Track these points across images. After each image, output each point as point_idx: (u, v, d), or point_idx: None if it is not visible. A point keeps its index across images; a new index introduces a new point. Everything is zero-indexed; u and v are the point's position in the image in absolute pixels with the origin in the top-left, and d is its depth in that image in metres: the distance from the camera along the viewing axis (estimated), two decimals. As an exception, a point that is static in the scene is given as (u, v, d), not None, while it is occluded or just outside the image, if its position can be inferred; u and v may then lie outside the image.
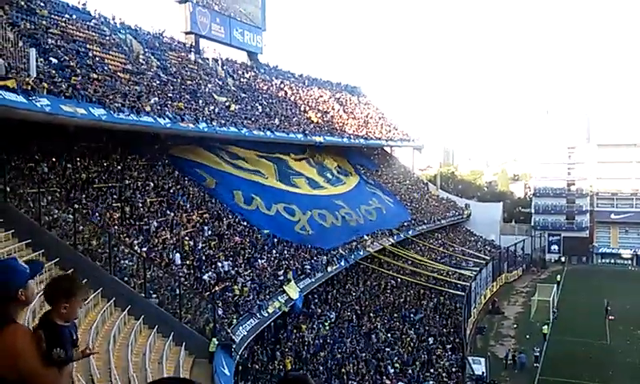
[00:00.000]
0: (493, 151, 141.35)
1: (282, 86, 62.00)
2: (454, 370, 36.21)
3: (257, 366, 29.92)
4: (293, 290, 33.59)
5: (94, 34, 36.68)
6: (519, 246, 71.52)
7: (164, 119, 33.76)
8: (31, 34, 28.51)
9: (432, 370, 35.85)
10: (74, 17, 36.25)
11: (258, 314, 29.14)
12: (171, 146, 40.32)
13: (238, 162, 46.31)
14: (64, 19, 34.53)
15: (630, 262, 76.64)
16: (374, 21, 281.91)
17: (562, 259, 77.89)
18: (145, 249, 26.79)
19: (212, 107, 41.62)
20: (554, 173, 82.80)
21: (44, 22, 31.42)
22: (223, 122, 41.14)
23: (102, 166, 31.83)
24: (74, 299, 2.91)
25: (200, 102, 40.87)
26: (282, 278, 33.92)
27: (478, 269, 53.77)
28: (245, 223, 38.74)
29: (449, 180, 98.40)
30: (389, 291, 47.70)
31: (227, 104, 44.80)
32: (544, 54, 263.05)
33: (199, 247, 31.31)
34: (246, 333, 27.08)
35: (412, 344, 39.25)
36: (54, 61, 28.37)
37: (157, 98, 34.91)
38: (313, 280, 37.50)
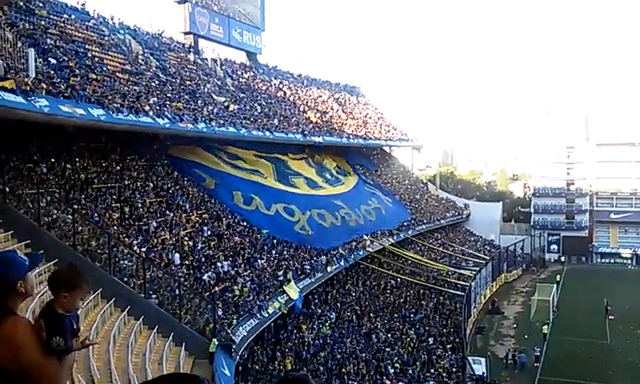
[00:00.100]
0: (492, 151, 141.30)
1: (280, 86, 61.96)
2: (454, 370, 36.18)
3: (257, 367, 29.91)
4: (293, 291, 33.57)
5: (92, 34, 36.63)
6: (519, 245, 71.52)
7: (163, 119, 33.71)
8: (30, 35, 28.45)
9: (432, 370, 35.83)
10: (73, 17, 36.19)
11: (258, 315, 29.13)
12: (170, 147, 40.27)
13: (237, 162, 46.26)
14: (63, 19, 34.47)
15: (629, 261, 76.73)
16: (373, 21, 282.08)
17: (562, 259, 77.97)
18: (144, 249, 26.75)
19: (211, 107, 41.58)
20: (553, 172, 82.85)
21: (43, 23, 31.38)
22: (222, 122, 41.08)
23: (101, 166, 31.76)
24: (75, 290, 2.92)
25: (199, 102, 40.84)
26: (281, 278, 33.90)
27: (477, 269, 53.76)
28: (244, 223, 38.70)
29: (448, 180, 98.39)
30: (389, 291, 47.69)
31: (226, 104, 44.75)
32: (543, 54, 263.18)
33: (199, 247, 31.27)
34: (246, 333, 27.07)
35: (412, 344, 39.22)
36: (53, 61, 28.33)
37: (156, 98, 34.86)
38: (313, 280, 37.49)
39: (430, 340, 40.44)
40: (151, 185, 34.42)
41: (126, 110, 30.20)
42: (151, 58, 41.61)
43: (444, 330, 42.61)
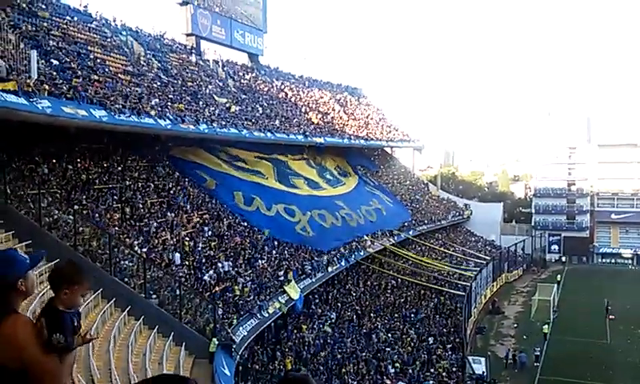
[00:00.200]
0: (493, 152, 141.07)
1: (282, 87, 62.08)
2: (454, 369, 36.22)
3: (257, 367, 29.99)
4: (293, 291, 33.68)
5: (95, 35, 36.80)
6: (519, 246, 71.46)
7: (165, 120, 33.85)
8: (32, 36, 28.62)
9: (432, 370, 35.87)
10: (75, 19, 36.37)
11: (258, 315, 29.24)
12: (172, 148, 40.43)
13: (238, 162, 46.42)
14: (65, 21, 34.65)
15: (630, 261, 76.65)
16: (374, 22, 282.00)
17: (563, 259, 77.92)
18: (145, 249, 26.88)
19: (212, 108, 41.71)
20: (554, 173, 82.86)
21: (45, 24, 31.54)
22: (224, 123, 41.21)
23: (103, 167, 31.91)
24: (75, 287, 2.92)
25: (200, 103, 40.98)
26: (282, 278, 34.02)
27: (478, 269, 53.76)
28: (245, 224, 38.85)
29: (449, 180, 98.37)
30: (389, 291, 47.76)
31: (228, 105, 44.88)
32: (545, 55, 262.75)
33: (199, 248, 31.41)
34: (246, 333, 27.17)
35: (412, 344, 39.28)
36: (55, 62, 28.50)
37: (157, 100, 35.00)
38: (313, 280, 37.61)
39: (431, 340, 40.50)
40: (152, 185, 34.56)
41: (128, 111, 30.35)
42: (153, 59, 41.76)
43: (444, 330, 42.66)
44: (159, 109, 33.97)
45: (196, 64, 48.71)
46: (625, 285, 60.61)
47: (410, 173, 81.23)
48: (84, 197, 27.64)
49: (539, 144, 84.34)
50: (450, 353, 38.58)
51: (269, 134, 47.01)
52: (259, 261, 34.51)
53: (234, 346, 24.86)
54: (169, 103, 36.23)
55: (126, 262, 25.17)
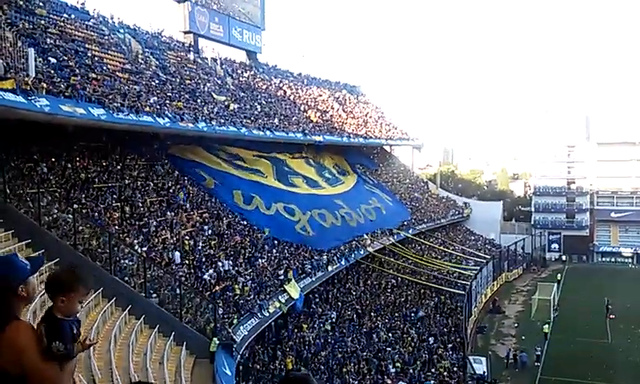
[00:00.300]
0: (493, 150, 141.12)
1: (281, 85, 61.95)
2: (454, 369, 36.14)
3: (258, 366, 29.90)
4: (294, 290, 33.56)
5: (92, 33, 36.62)
6: (519, 244, 71.50)
7: (163, 119, 33.70)
8: (30, 34, 28.45)
9: (433, 370, 35.77)
10: (73, 16, 36.19)
11: (258, 314, 29.11)
12: (170, 146, 40.28)
13: (237, 161, 46.28)
14: (63, 19, 34.48)
15: (630, 260, 76.67)
16: (372, 20, 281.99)
17: (563, 258, 77.95)
18: (145, 248, 26.74)
19: (211, 106, 41.55)
20: (553, 171, 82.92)
21: (43, 22, 31.38)
22: (222, 121, 41.06)
23: (102, 165, 31.78)
24: (72, 293, 2.87)
25: (199, 101, 40.82)
26: (282, 277, 33.88)
27: (478, 268, 53.70)
28: (244, 222, 38.70)
29: (449, 179, 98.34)
30: (389, 290, 47.66)
31: (226, 103, 44.73)
32: (543, 52, 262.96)
33: (199, 247, 31.25)
34: (246, 332, 27.06)
35: (413, 343, 39.18)
36: (53, 60, 28.34)
37: (156, 98, 34.84)
38: (313, 279, 37.49)
39: (431, 339, 40.39)
40: (151, 184, 34.41)
41: (127, 110, 30.20)
42: (151, 57, 41.60)
43: (445, 330, 42.56)
44: (158, 107, 33.80)
45: (194, 62, 48.55)
46: (625, 284, 60.59)
47: (409, 171, 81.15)
48: (83, 196, 27.50)
49: (538, 142, 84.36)
50: (450, 352, 38.50)
51: (268, 133, 46.85)
52: (259, 260, 34.37)
53: (235, 346, 24.75)
54: (167, 101, 36.07)
55: (126, 261, 25.05)
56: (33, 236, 21.41)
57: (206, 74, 48.69)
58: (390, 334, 39.87)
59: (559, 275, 63.80)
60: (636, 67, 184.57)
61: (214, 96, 44.56)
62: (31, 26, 29.57)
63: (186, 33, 50.88)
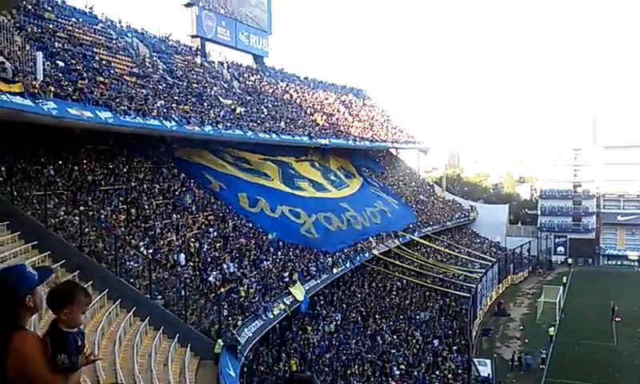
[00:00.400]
0: (499, 153, 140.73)
1: (287, 88, 62.11)
2: (459, 371, 36.16)
3: (262, 368, 30.01)
4: (298, 292, 33.67)
5: (100, 37, 36.90)
6: (525, 247, 71.41)
7: (170, 122, 33.91)
8: (38, 38, 28.74)
9: (438, 372, 35.79)
10: (81, 20, 36.49)
11: (263, 316, 29.22)
12: (177, 149, 40.50)
13: (243, 164, 46.45)
14: (71, 23, 34.76)
15: (636, 263, 76.43)
16: (379, 24, 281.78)
17: (569, 261, 77.77)
18: (150, 250, 26.92)
19: (217, 110, 41.75)
20: (560, 175, 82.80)
21: (51, 26, 31.66)
22: (229, 124, 41.25)
23: (108, 168, 32.02)
24: (74, 305, 2.90)
25: (205, 104, 41.01)
26: (287, 279, 34.01)
27: (483, 270, 53.70)
28: (250, 225, 38.86)
29: (454, 182, 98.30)
30: (394, 293, 47.66)
31: (233, 107, 44.92)
32: (550, 56, 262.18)
33: (205, 249, 31.43)
34: (251, 334, 27.15)
35: (418, 346, 39.20)
36: (61, 64, 28.59)
37: (163, 101, 35.07)
38: (318, 281, 37.58)
39: (436, 342, 40.39)
40: (157, 187, 34.63)
41: (134, 113, 30.42)
42: (158, 61, 41.85)
43: (450, 332, 42.56)
44: (164, 110, 34.03)
45: (201, 66, 48.76)
46: (631, 287, 60.48)
47: (415, 174, 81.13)
48: (90, 198, 27.73)
49: (544, 145, 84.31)
50: (455, 355, 38.49)
51: (274, 136, 47.01)
52: (264, 262, 34.51)
53: (239, 347, 24.87)
54: (174, 105, 36.28)
55: (132, 263, 25.24)
56: (39, 238, 21.58)
57: (213, 77, 48.90)
58: (395, 336, 39.90)
59: (565, 278, 63.73)
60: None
61: (221, 99, 44.77)
62: (39, 30, 29.86)
63: (193, 37, 51.12)
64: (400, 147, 79.12)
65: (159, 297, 24.70)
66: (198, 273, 28.53)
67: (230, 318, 26.34)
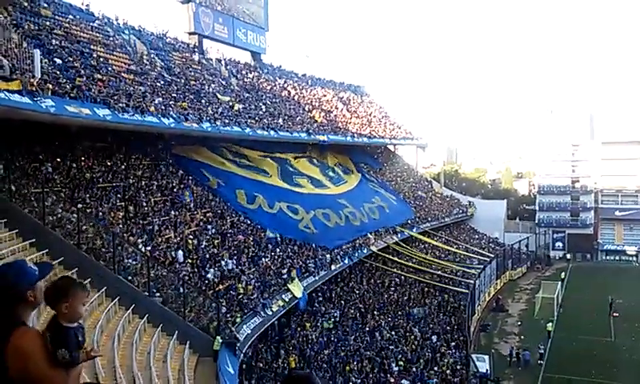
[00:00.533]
0: (497, 149, 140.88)
1: (285, 85, 62.10)
2: (458, 367, 36.20)
3: (261, 365, 30.06)
4: (297, 288, 33.71)
5: (97, 34, 36.85)
6: (523, 243, 71.38)
7: (168, 119, 33.90)
8: (35, 35, 28.70)
9: (436, 368, 35.83)
10: (78, 18, 36.43)
11: (262, 313, 29.27)
12: (175, 146, 40.49)
13: (241, 160, 46.45)
14: (68, 20, 34.71)
15: (634, 258, 76.54)
16: (377, 20, 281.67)
17: (567, 256, 77.88)
18: (149, 248, 26.92)
19: (215, 107, 41.73)
20: (558, 170, 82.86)
21: (48, 23, 31.63)
22: (227, 121, 41.25)
23: (106, 165, 31.99)
24: (73, 298, 2.89)
25: (203, 101, 41.00)
26: (285, 276, 34.04)
27: (482, 266, 53.70)
28: (248, 221, 38.88)
29: (452, 178, 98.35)
30: (393, 289, 47.73)
31: (230, 104, 44.90)
32: (548, 52, 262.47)
33: (203, 246, 31.44)
34: (250, 331, 27.20)
35: (416, 342, 39.25)
36: (59, 61, 28.55)
37: (161, 98, 35.05)
38: (317, 278, 37.62)
39: (434, 338, 40.45)
40: (156, 184, 34.62)
41: (132, 110, 30.40)
42: (156, 58, 41.82)
43: (448, 328, 42.61)
44: (162, 107, 34.01)
45: (199, 62, 48.75)
46: (629, 282, 60.53)
47: (413, 170, 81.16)
48: (88, 195, 27.71)
49: (542, 141, 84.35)
50: (453, 351, 38.53)
51: (272, 133, 47.02)
52: (263, 259, 34.54)
53: (238, 344, 24.92)
54: (172, 102, 36.27)
55: (130, 261, 25.21)
56: (37, 235, 21.55)
57: (211, 74, 48.87)
58: (393, 333, 39.96)
59: (563, 273, 63.72)
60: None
61: (219, 96, 44.75)
62: (37, 28, 29.82)
63: (190, 34, 51.10)
64: (398, 143, 79.17)
65: (157, 294, 24.71)
66: (196, 270, 28.56)
67: (228, 315, 26.37)
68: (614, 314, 47.95)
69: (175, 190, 35.77)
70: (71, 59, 29.94)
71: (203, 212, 35.81)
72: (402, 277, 49.64)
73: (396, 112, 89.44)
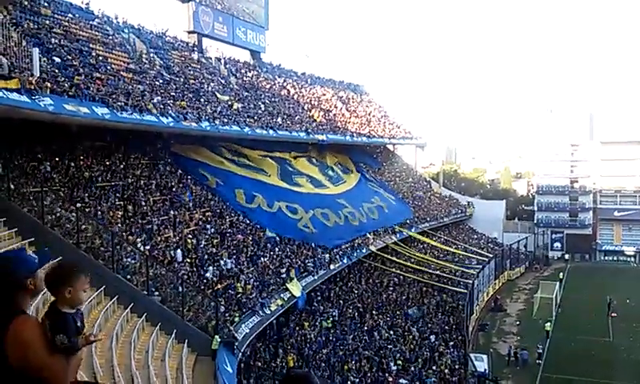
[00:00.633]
0: (496, 149, 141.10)
1: (284, 84, 62.09)
2: (456, 366, 36.22)
3: (259, 364, 29.99)
4: (296, 288, 33.71)
5: (97, 33, 36.84)
6: (522, 243, 71.46)
7: (167, 118, 33.90)
8: (34, 34, 28.69)
9: (434, 367, 35.85)
10: (77, 16, 36.42)
11: (260, 312, 29.26)
12: (173, 145, 40.48)
13: (240, 159, 46.45)
14: (67, 18, 34.70)
15: (633, 259, 76.67)
16: (376, 19, 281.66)
17: (565, 256, 77.93)
18: (148, 247, 26.91)
19: (214, 106, 41.72)
20: (557, 170, 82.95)
21: (47, 22, 31.61)
22: (226, 120, 41.24)
23: (105, 164, 31.98)
24: (76, 283, 2.89)
25: (203, 100, 41.00)
26: (284, 275, 34.04)
27: (480, 266, 53.75)
28: (247, 221, 38.87)
29: (451, 178, 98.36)
30: (391, 289, 47.71)
31: (230, 103, 44.89)
32: (547, 52, 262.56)
33: (202, 245, 31.44)
34: (248, 330, 27.18)
35: (414, 341, 39.26)
36: (58, 60, 28.56)
37: (160, 97, 35.05)
38: (315, 278, 37.62)
39: (432, 337, 40.47)
40: (154, 183, 34.61)
41: (130, 109, 30.40)
42: (155, 56, 41.80)
43: (446, 328, 42.62)
44: (161, 106, 34.00)
45: (198, 61, 48.72)
46: (627, 282, 60.63)
47: (412, 170, 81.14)
48: (86, 194, 27.70)
49: (541, 141, 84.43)
50: (452, 350, 38.56)
51: (271, 132, 47.01)
52: (261, 258, 34.53)
53: (237, 344, 24.88)
54: (171, 101, 36.26)
55: (129, 260, 25.20)
56: (36, 234, 21.55)
57: (210, 73, 48.86)
58: (392, 332, 39.95)
59: (561, 274, 63.83)
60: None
61: (218, 95, 44.74)
62: (36, 26, 29.81)
63: (190, 32, 51.08)
64: (397, 143, 79.17)
65: (156, 293, 24.70)
66: (195, 269, 28.56)
67: (227, 314, 26.38)
68: (613, 314, 48.03)
69: (174, 189, 35.76)
70: (70, 58, 29.95)
71: (202, 211, 35.80)
72: (401, 276, 49.65)
73: (395, 111, 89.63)
